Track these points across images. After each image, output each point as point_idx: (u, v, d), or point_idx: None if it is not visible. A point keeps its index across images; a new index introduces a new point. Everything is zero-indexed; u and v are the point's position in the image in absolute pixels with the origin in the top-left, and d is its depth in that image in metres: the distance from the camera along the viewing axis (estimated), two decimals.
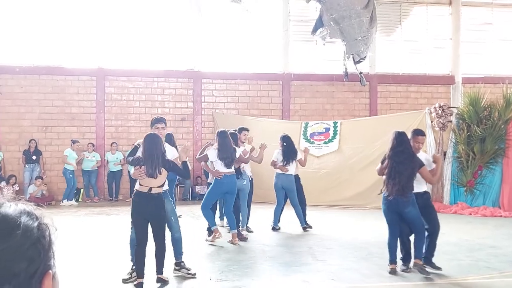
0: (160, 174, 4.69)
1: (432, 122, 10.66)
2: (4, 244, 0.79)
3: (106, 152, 12.74)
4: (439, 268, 5.21)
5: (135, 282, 4.71)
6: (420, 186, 5.31)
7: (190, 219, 9.41)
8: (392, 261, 5.24)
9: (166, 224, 4.98)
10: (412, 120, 10.97)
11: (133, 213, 4.77)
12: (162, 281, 4.79)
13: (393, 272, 5.16)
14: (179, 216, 9.04)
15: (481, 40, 14.92)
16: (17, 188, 11.69)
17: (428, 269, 5.18)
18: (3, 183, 11.39)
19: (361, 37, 12.88)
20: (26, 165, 12.12)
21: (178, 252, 5.17)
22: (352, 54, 13.15)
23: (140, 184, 4.78)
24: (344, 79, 13.37)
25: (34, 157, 12.15)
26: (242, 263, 5.79)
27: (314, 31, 13.17)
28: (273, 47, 14.03)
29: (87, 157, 12.37)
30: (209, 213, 6.89)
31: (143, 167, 4.68)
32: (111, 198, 12.56)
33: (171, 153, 5.20)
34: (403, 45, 14.61)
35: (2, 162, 12.16)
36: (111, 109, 13.22)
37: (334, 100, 14.16)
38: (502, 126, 10.28)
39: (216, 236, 6.75)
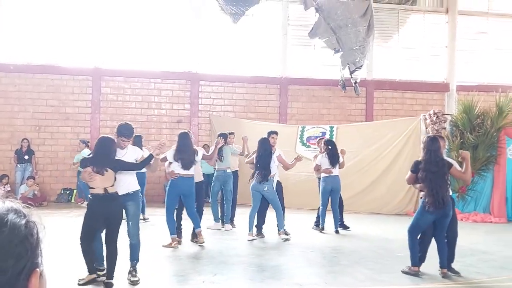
0: (107, 171, 4.66)
1: (426, 128, 10.73)
2: None
3: None
4: (458, 273, 5.34)
5: (86, 280, 4.69)
6: None
7: (184, 221, 9.37)
8: (416, 263, 5.30)
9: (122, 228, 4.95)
10: (407, 126, 11.06)
11: (91, 215, 4.70)
12: (111, 286, 4.72)
13: (417, 274, 5.24)
14: (147, 219, 8.92)
15: (476, 49, 15.06)
16: (9, 188, 11.61)
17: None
18: None
19: (357, 46, 13.03)
20: (18, 165, 12.01)
21: (132, 258, 5.03)
22: (348, 64, 13.30)
23: (92, 187, 4.71)
24: (343, 91, 13.59)
25: (26, 157, 12.04)
26: (236, 266, 5.79)
27: (312, 34, 13.31)
28: (272, 51, 14.07)
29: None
30: (170, 219, 6.72)
31: (90, 167, 4.66)
32: None
33: (135, 154, 5.14)
34: (400, 52, 14.71)
35: None
36: (107, 110, 13.18)
37: (331, 105, 14.22)
38: (495, 134, 10.38)
39: (173, 245, 6.67)
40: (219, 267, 5.62)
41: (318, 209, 8.54)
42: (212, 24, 13.57)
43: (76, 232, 7.85)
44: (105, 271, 4.85)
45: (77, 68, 13.02)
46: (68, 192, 12.34)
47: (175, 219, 6.98)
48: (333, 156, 8.24)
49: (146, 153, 5.33)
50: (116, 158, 4.85)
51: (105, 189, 4.67)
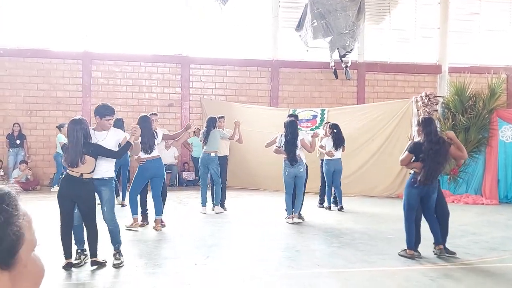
0: (83, 163, 4.62)
1: (418, 110, 10.75)
2: None
3: None
4: (453, 253, 5.38)
5: (63, 264, 4.73)
6: None
7: (176, 204, 9.42)
8: (412, 246, 5.31)
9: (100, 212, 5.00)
10: (398, 109, 11.08)
11: (60, 195, 4.74)
12: (97, 264, 4.79)
13: (413, 257, 5.25)
14: (125, 205, 8.77)
15: (468, 30, 15.01)
16: (2, 173, 11.57)
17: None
18: None
19: (347, 30, 13.01)
20: (10, 149, 11.96)
21: (113, 242, 5.04)
22: (338, 49, 13.26)
23: (70, 170, 4.74)
24: (335, 78, 13.61)
25: (18, 141, 11.99)
26: (228, 248, 5.84)
27: (297, 27, 13.30)
28: (262, 33, 13.95)
29: None
30: (134, 200, 6.77)
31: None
32: None
33: (116, 136, 5.04)
34: (392, 34, 14.64)
35: None
36: (98, 94, 13.08)
37: (322, 88, 14.18)
38: (486, 115, 10.42)
39: (133, 225, 6.68)
40: (211, 250, 5.67)
41: (320, 189, 9.11)
42: (202, 7, 13.40)
43: None
44: (86, 252, 4.96)
45: (67, 52, 12.88)
46: (61, 176, 12.25)
47: (140, 204, 7.03)
48: (338, 139, 8.58)
49: (128, 136, 5.20)
50: (95, 142, 4.78)
51: (81, 175, 4.68)
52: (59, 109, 12.82)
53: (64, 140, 11.69)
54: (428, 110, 10.66)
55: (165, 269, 4.88)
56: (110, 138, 4.97)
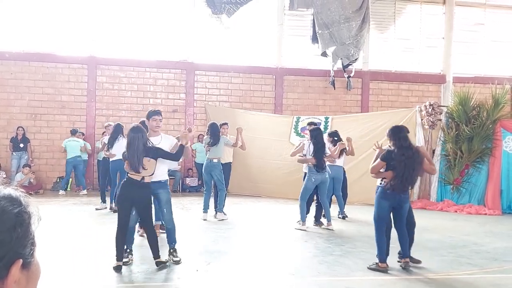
0: (144, 169, 4.82)
1: (422, 120, 10.76)
2: None
3: (96, 141, 12.63)
4: (418, 261, 5.34)
5: (114, 265, 4.83)
6: None
7: (179, 210, 9.43)
8: (383, 259, 5.15)
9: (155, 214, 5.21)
10: (402, 118, 11.07)
11: (120, 197, 4.95)
12: (162, 264, 4.96)
13: (385, 271, 5.09)
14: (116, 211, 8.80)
15: (473, 40, 15.05)
16: (4, 176, 11.61)
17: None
18: None
19: (350, 40, 13.12)
20: (14, 153, 12.00)
21: (170, 241, 5.35)
22: (341, 59, 13.35)
23: (132, 174, 4.91)
24: (333, 88, 13.66)
25: (21, 145, 12.02)
26: (229, 255, 5.84)
27: (312, 40, 13.46)
28: (267, 40, 14.02)
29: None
30: None
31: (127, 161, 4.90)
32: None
33: (169, 141, 5.32)
34: (396, 43, 14.68)
35: None
36: (102, 99, 13.14)
37: (326, 96, 14.21)
38: (490, 126, 10.41)
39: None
40: (213, 256, 5.67)
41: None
42: (207, 13, 13.49)
43: (71, 221, 7.91)
44: (128, 253, 5.17)
45: (73, 56, 12.96)
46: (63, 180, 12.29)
47: None
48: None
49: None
50: (154, 145, 4.99)
51: (143, 178, 4.88)
52: (63, 113, 12.88)
53: (77, 144, 11.74)
54: (432, 120, 10.68)
55: (166, 275, 4.88)
56: (164, 143, 5.22)
